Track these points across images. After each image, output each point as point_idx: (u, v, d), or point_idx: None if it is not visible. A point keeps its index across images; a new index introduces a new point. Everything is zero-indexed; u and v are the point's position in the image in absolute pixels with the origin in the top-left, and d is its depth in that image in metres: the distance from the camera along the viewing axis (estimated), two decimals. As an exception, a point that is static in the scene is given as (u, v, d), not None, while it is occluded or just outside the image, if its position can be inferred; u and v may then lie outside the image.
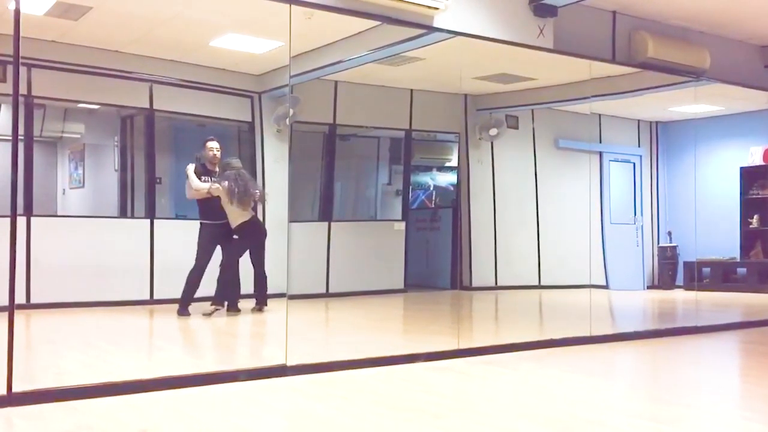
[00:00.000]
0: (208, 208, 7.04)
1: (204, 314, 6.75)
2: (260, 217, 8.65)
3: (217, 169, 7.13)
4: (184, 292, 6.86)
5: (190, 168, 7.03)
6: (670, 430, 3.28)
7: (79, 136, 9.36)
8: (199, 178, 7.00)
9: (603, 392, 4.20)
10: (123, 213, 8.65)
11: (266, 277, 7.10)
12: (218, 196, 6.93)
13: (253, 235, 7.10)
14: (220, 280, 6.97)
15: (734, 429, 3.40)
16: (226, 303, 6.97)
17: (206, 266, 6.92)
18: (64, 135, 9.35)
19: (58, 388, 3.75)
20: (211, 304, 6.86)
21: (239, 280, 7.06)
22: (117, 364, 4.68)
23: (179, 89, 8.30)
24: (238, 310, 7.01)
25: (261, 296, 7.11)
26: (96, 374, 4.28)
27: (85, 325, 6.52)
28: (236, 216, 6.96)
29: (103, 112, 8.83)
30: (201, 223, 7.08)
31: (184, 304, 6.81)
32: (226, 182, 6.90)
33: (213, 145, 7.17)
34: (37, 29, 6.89)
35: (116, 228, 8.13)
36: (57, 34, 7.20)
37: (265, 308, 7.07)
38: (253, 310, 7.11)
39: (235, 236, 7.05)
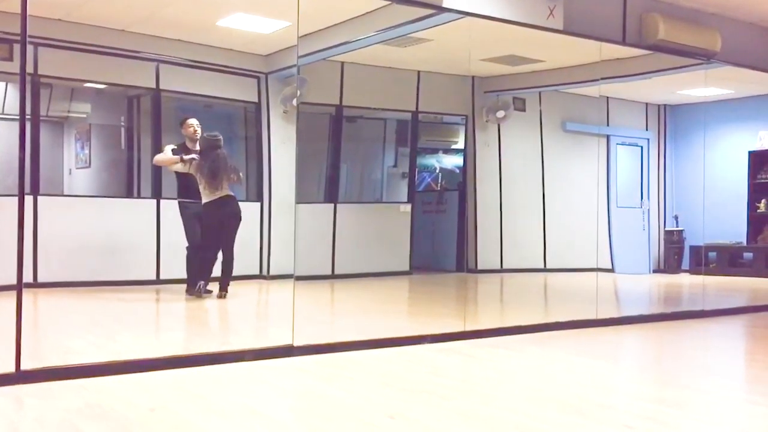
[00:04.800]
0: (185, 187, 6.97)
1: (195, 295, 6.71)
2: (266, 198, 8.66)
3: (198, 147, 6.96)
4: (187, 272, 6.88)
5: (168, 146, 7.00)
6: (676, 413, 3.28)
7: (85, 115, 9.36)
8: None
9: (610, 375, 4.21)
10: (129, 193, 8.66)
11: (232, 261, 6.81)
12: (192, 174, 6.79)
13: (221, 217, 6.78)
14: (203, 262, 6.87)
15: (740, 412, 3.40)
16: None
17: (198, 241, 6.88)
18: (71, 114, 9.34)
19: (66, 366, 3.77)
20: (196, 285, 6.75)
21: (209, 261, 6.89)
22: (124, 344, 4.70)
23: (186, 69, 8.28)
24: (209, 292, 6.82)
25: (224, 281, 6.78)
26: (104, 353, 4.29)
27: (92, 305, 6.54)
28: (205, 195, 6.76)
29: (110, 91, 8.82)
30: (179, 203, 7.00)
31: (191, 283, 6.83)
32: (197, 160, 6.75)
33: (192, 122, 7.04)
34: (44, 8, 6.86)
35: (122, 208, 8.14)
36: (64, 12, 7.16)
37: (226, 295, 6.73)
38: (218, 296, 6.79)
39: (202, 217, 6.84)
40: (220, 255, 6.86)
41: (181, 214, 7.03)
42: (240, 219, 6.91)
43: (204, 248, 6.86)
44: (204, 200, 6.78)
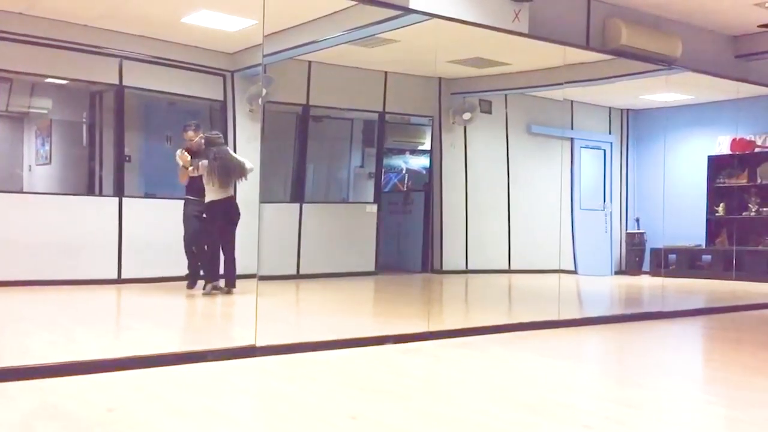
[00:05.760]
0: (191, 186, 7.06)
1: (204, 293, 6.84)
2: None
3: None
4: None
5: (179, 153, 7.04)
6: (634, 412, 3.33)
7: (46, 111, 9.20)
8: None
9: (572, 375, 4.25)
10: (91, 191, 8.53)
11: (234, 259, 7.04)
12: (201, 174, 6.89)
13: (223, 215, 6.97)
14: (204, 259, 7.04)
15: (698, 412, 3.46)
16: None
17: (195, 237, 6.98)
18: (31, 110, 9.18)
19: (22, 366, 3.69)
20: (206, 283, 6.90)
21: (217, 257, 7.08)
22: (83, 343, 4.62)
23: (150, 66, 8.18)
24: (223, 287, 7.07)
25: (230, 278, 7.03)
26: (62, 353, 4.22)
27: (51, 304, 6.43)
28: (211, 194, 6.88)
29: (72, 87, 8.67)
30: (185, 199, 7.11)
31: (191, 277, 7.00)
32: (207, 161, 6.82)
33: (189, 136, 7.07)
34: (3, 1, 6.75)
35: (84, 206, 8.01)
36: (25, 6, 7.03)
37: (234, 291, 6.99)
38: (222, 291, 7.08)
39: (204, 214, 7.00)
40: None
41: (185, 211, 7.11)
42: (239, 217, 7.04)
43: (210, 245, 6.96)
44: (209, 198, 6.86)
